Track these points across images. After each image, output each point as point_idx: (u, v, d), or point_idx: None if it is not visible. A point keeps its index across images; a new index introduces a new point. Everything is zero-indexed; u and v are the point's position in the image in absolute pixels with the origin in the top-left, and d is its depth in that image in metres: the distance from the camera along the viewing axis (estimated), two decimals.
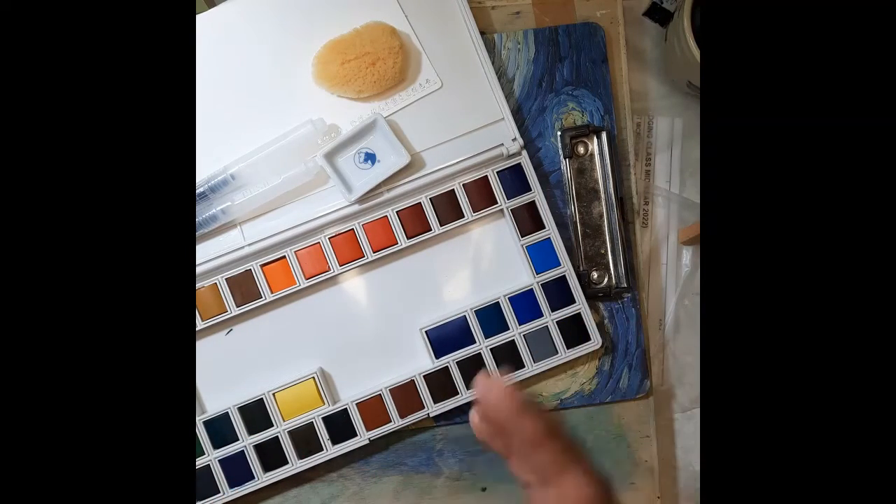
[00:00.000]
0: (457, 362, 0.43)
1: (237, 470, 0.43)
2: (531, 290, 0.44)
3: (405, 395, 0.43)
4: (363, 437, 0.43)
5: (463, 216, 0.44)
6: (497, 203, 0.44)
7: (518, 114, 0.46)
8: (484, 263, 0.45)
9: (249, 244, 0.43)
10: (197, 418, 0.43)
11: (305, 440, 0.43)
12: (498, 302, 0.44)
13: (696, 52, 0.39)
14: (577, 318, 0.44)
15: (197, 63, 0.43)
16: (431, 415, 0.43)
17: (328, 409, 0.43)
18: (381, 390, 0.43)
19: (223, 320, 0.43)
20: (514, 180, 0.44)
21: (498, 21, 0.46)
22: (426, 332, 0.44)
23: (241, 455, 0.43)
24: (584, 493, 0.29)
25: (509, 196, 0.44)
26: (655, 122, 0.47)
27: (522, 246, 0.44)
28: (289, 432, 0.43)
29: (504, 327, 0.44)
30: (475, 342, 0.44)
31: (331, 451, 0.43)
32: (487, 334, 0.44)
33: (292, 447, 0.43)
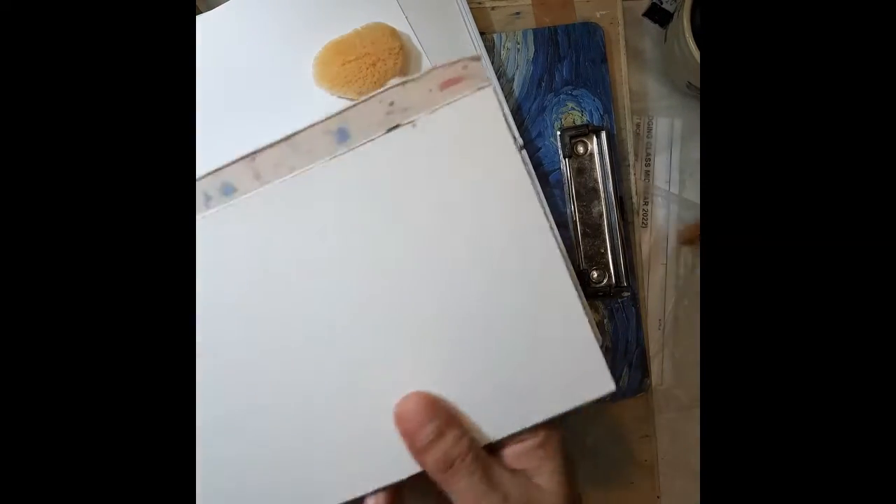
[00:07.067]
0: None
1: None
2: None
3: None
4: None
5: None
6: None
7: (517, 114, 0.46)
8: None
9: None
10: None
11: None
12: None
13: (696, 53, 0.39)
14: None
15: (197, 63, 0.43)
16: None
17: None
18: None
19: None
20: None
21: (498, 21, 0.46)
22: None
23: None
24: None
25: None
26: (655, 123, 0.47)
27: None
28: None
29: None
30: None
31: None
32: None
33: None
